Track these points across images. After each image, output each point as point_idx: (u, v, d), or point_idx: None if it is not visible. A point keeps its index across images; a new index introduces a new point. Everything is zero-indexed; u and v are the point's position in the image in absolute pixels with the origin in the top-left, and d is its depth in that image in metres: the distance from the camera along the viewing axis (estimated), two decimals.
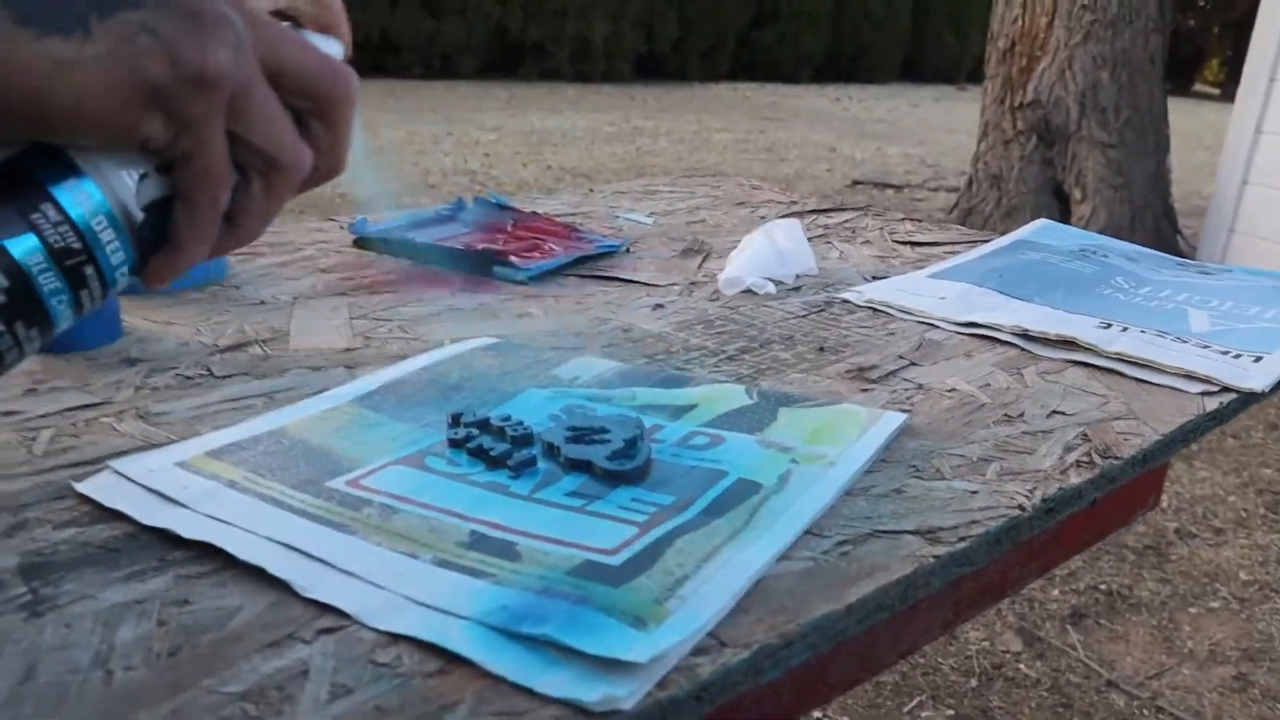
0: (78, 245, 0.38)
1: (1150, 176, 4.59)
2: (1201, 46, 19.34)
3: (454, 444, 0.56)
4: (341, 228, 1.04)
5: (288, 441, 0.56)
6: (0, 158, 0.38)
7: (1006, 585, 0.65)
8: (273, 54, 0.39)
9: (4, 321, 0.37)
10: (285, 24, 0.43)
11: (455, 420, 0.58)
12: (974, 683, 1.84)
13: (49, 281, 0.38)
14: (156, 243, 0.41)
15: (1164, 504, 2.55)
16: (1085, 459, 0.58)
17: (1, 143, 0.38)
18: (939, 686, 1.82)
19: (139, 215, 0.39)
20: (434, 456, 0.55)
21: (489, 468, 0.53)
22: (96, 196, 0.38)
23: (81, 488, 0.51)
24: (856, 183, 6.40)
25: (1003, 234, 1.06)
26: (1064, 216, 4.57)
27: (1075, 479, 0.56)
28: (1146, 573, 2.27)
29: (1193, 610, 2.13)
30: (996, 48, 4.72)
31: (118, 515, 0.49)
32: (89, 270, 0.39)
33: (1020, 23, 4.58)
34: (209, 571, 0.45)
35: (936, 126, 9.79)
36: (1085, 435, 0.62)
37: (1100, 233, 4.07)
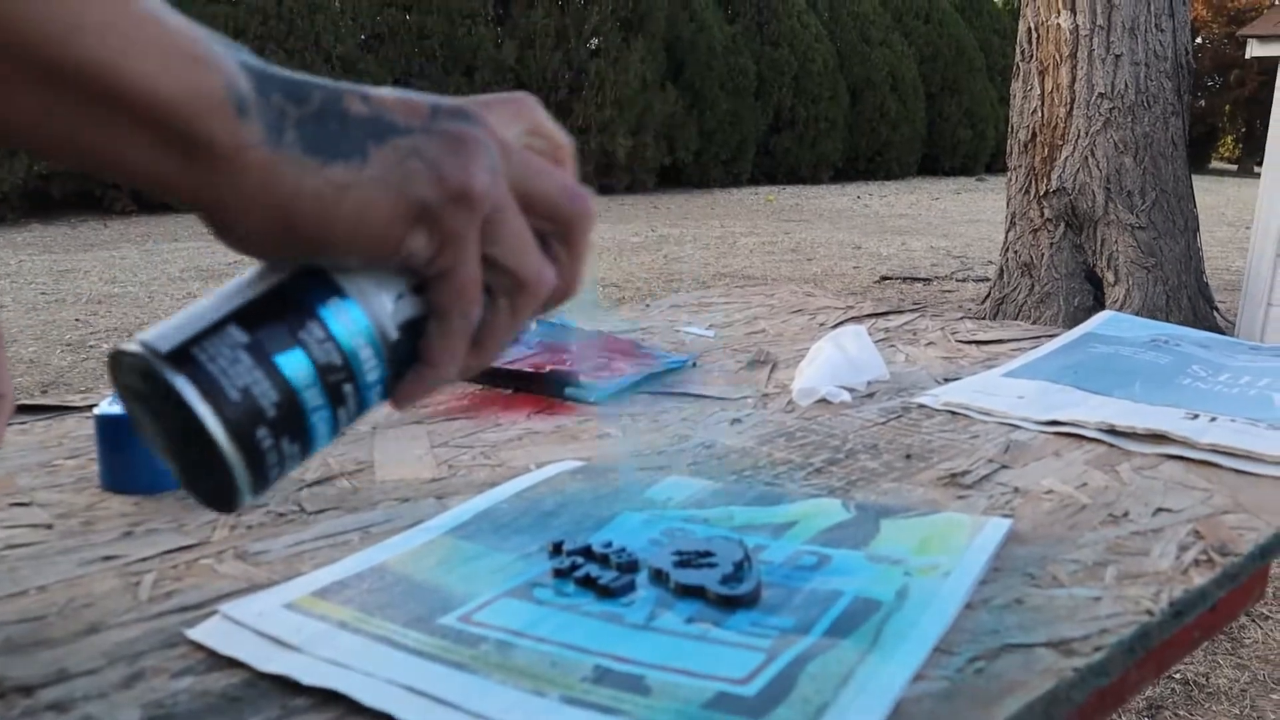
0: (339, 362, 0.39)
1: (1182, 256, 4.59)
2: (1214, 124, 19.54)
3: (559, 574, 0.55)
4: None
5: (391, 578, 0.56)
6: (272, 282, 0.40)
7: (1126, 690, 0.62)
8: (522, 179, 0.41)
9: (273, 436, 0.38)
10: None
11: (557, 549, 0.58)
12: None
13: (313, 398, 0.39)
14: (408, 362, 0.42)
15: None
16: (1203, 557, 0.57)
17: (278, 265, 0.40)
18: None
19: (394, 334, 0.40)
20: (541, 587, 0.54)
21: (599, 597, 0.53)
22: (358, 316, 0.40)
23: (193, 634, 0.51)
24: (885, 278, 6.44)
25: (1039, 322, 1.06)
26: (1097, 300, 4.56)
27: (1198, 579, 0.54)
28: (1221, 659, 2.19)
29: (1275, 696, 2.05)
30: (1018, 139, 4.79)
31: (233, 662, 0.48)
32: (348, 388, 0.40)
33: (1040, 114, 4.65)
34: (334, 719, 0.44)
35: (958, 218, 9.87)
36: (1198, 532, 0.60)
37: (1136, 313, 4.05)
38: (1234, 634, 2.29)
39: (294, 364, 0.38)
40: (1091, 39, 4.46)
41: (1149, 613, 0.51)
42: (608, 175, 11.27)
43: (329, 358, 0.39)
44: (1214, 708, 2.01)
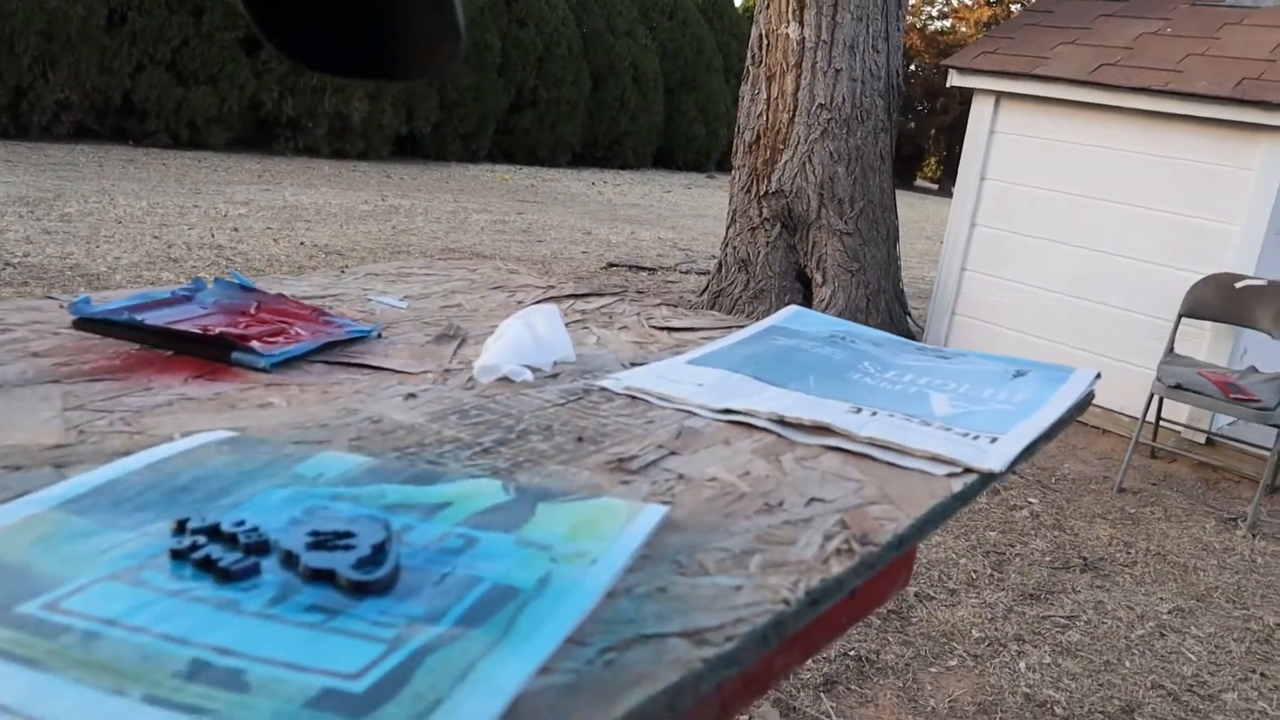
0: None
1: (882, 263, 4.93)
2: (921, 146, 21.24)
3: (176, 555, 0.49)
4: (61, 306, 0.94)
5: None
6: None
7: (771, 676, 0.64)
8: None
9: None
10: None
11: (180, 527, 0.52)
12: None
13: None
14: None
15: None
16: (845, 547, 0.59)
17: None
18: None
19: None
20: (153, 570, 0.48)
21: (218, 581, 0.48)
22: None
23: None
24: (611, 265, 6.54)
25: (751, 316, 1.08)
26: (806, 299, 4.82)
27: (836, 568, 0.56)
28: (891, 636, 2.37)
29: (934, 670, 2.24)
30: (743, 140, 4.98)
31: None
32: None
33: (765, 117, 4.85)
34: None
35: (687, 212, 10.19)
36: (844, 522, 0.62)
37: (839, 314, 4.30)
38: (903, 613, 2.48)
39: None
40: (816, 52, 4.70)
41: (785, 601, 0.51)
42: (341, 140, 10.82)
43: None
44: (881, 681, 2.17)
